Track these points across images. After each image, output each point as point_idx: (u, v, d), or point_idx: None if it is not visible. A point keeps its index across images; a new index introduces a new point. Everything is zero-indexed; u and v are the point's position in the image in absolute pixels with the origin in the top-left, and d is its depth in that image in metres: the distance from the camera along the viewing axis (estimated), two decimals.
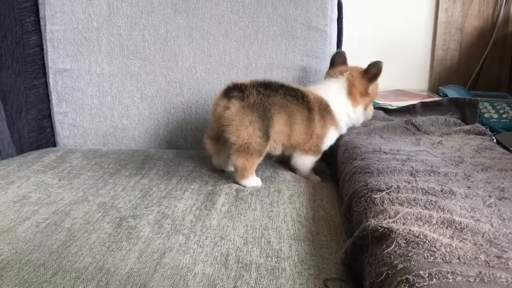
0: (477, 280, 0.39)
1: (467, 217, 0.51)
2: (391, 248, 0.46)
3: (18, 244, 0.62)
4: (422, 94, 1.41)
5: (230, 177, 0.87)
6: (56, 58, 1.11)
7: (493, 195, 0.58)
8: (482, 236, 0.47)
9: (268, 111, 0.82)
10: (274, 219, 0.70)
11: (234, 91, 0.82)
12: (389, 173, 0.66)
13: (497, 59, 1.50)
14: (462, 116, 1.05)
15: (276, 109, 0.83)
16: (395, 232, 0.48)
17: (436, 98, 1.29)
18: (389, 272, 0.43)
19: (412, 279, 0.40)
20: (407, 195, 0.58)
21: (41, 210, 0.73)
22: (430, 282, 0.39)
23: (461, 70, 1.52)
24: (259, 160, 0.85)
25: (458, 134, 0.91)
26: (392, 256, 0.45)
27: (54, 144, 1.16)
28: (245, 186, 0.83)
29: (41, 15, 1.10)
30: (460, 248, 0.44)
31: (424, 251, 0.43)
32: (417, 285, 0.39)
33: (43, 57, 1.12)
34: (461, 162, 0.72)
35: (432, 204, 0.55)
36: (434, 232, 0.47)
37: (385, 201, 0.57)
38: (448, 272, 0.40)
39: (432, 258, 0.42)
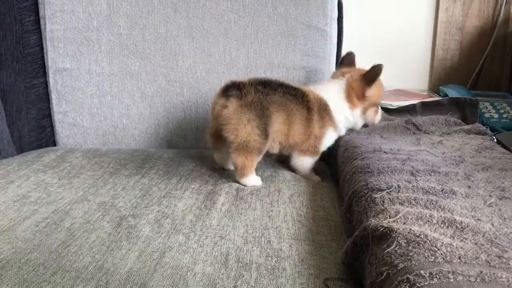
0: (478, 280, 0.39)
1: (467, 216, 0.51)
2: (391, 247, 0.46)
3: (17, 244, 0.62)
4: (422, 94, 1.41)
5: (230, 177, 0.87)
6: (56, 58, 1.11)
7: (493, 195, 0.58)
8: (483, 236, 0.46)
9: (266, 109, 0.82)
10: (274, 218, 0.70)
11: (232, 89, 0.81)
12: (389, 172, 0.66)
13: (498, 59, 1.50)
14: (463, 115, 1.05)
15: (274, 108, 0.83)
16: (395, 232, 0.47)
17: (436, 98, 1.29)
18: (389, 271, 0.43)
19: (412, 279, 0.40)
20: (407, 194, 0.58)
21: (41, 209, 0.73)
22: (431, 282, 0.39)
23: (462, 70, 1.52)
24: (258, 158, 0.84)
25: (459, 133, 0.91)
26: (392, 255, 0.45)
27: (54, 143, 1.16)
28: (245, 185, 0.83)
29: (41, 14, 1.10)
30: (461, 247, 0.44)
31: (424, 251, 0.43)
32: (418, 285, 0.39)
33: (43, 56, 1.12)
34: (461, 162, 0.72)
35: (432, 203, 0.55)
36: (434, 232, 0.47)
37: (386, 201, 0.57)
38: (449, 272, 0.40)
39: (433, 257, 0.42)
